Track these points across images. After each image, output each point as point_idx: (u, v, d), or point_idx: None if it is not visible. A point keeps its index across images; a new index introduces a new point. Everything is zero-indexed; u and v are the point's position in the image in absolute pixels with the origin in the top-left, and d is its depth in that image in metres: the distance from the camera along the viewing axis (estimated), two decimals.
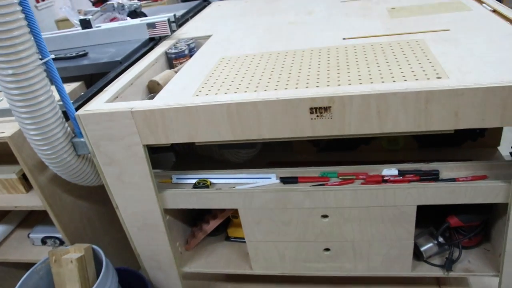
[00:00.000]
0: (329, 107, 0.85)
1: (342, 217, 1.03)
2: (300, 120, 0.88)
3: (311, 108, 0.86)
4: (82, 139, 1.01)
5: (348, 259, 1.12)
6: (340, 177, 1.04)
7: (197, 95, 0.95)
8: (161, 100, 0.95)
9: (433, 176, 1.01)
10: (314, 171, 1.07)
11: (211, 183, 1.09)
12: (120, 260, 1.39)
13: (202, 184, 1.08)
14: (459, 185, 0.95)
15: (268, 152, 1.30)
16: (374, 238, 1.06)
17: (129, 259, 1.21)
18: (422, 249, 1.12)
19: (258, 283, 1.34)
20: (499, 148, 1.17)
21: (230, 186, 1.07)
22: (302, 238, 1.09)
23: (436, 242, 1.11)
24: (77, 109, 0.99)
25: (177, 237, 1.22)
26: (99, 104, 0.99)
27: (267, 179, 1.07)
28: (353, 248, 1.09)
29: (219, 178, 1.10)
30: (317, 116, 0.87)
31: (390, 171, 1.03)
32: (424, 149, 1.22)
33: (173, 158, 1.37)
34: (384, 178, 1.02)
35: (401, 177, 1.01)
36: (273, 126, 0.90)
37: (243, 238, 1.16)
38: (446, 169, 1.02)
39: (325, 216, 1.04)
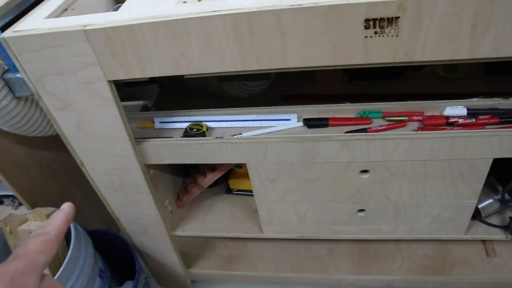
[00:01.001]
0: (397, 18, 0.53)
1: (388, 173, 0.75)
2: (348, 39, 0.56)
3: (367, 20, 0.54)
4: (18, 75, 0.67)
5: (387, 221, 0.85)
6: (387, 118, 0.75)
7: (185, 2, 0.61)
8: (130, 11, 0.61)
9: None
10: (349, 109, 0.76)
11: (207, 128, 0.78)
12: (99, 220, 1.11)
13: (196, 131, 0.77)
14: None
15: (282, 82, 0.98)
16: (426, 197, 0.79)
17: (110, 218, 0.93)
18: (480, 206, 0.86)
19: (266, 241, 1.09)
20: None
21: (234, 133, 0.77)
22: (331, 198, 0.81)
23: (498, 197, 0.85)
24: (3, 29, 0.64)
25: (165, 194, 0.93)
26: (37, 20, 0.64)
27: (286, 121, 0.77)
28: (396, 209, 0.82)
29: (219, 121, 0.79)
30: (376, 32, 0.55)
31: (456, 109, 0.74)
32: (493, 77, 0.91)
33: (156, 90, 1.05)
34: (449, 120, 0.72)
35: (473, 119, 0.72)
36: (304, 49, 0.58)
37: (250, 191, 0.88)
38: None
39: (365, 172, 0.76)
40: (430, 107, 0.74)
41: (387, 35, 0.55)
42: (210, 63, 0.60)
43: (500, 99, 0.74)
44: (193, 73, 0.62)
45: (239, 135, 0.75)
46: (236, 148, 0.74)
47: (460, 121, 0.71)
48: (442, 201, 0.79)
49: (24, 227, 0.84)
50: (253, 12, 0.54)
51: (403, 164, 0.73)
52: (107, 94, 0.66)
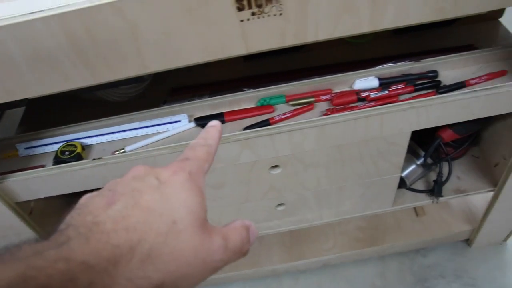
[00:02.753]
0: None
1: (301, 165, 0.65)
2: (219, 26, 0.43)
3: (238, 1, 0.41)
4: None
5: (310, 210, 0.76)
6: (291, 103, 0.63)
7: None
8: None
9: (432, 82, 0.63)
10: (247, 98, 0.64)
11: (83, 148, 0.63)
12: None
13: (68, 154, 0.62)
14: (476, 94, 0.58)
15: (167, 73, 0.82)
16: (347, 180, 0.70)
17: None
18: (404, 174, 0.78)
19: None
20: (501, 20, 0.79)
21: (117, 149, 0.62)
22: (244, 199, 0.70)
23: (420, 162, 0.78)
24: None
25: (57, 224, 0.78)
26: None
27: (176, 123, 0.63)
28: (318, 197, 0.73)
29: (97, 135, 0.64)
30: (253, 14, 0.42)
31: (367, 81, 0.63)
32: (401, 36, 0.81)
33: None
34: (361, 96, 0.62)
35: (386, 91, 0.62)
36: (167, 48, 0.44)
37: None
38: (445, 67, 0.65)
39: (275, 167, 0.65)
40: (339, 82, 0.64)
41: (269, 15, 0.43)
42: (50, 81, 0.45)
43: (412, 62, 0.65)
44: (31, 96, 0.47)
45: (121, 151, 0.61)
46: (120, 168, 0.60)
47: (372, 95, 0.61)
48: (364, 180, 0.71)
49: None
50: (85, 8, 0.39)
51: (316, 153, 0.63)
52: None
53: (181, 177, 0.29)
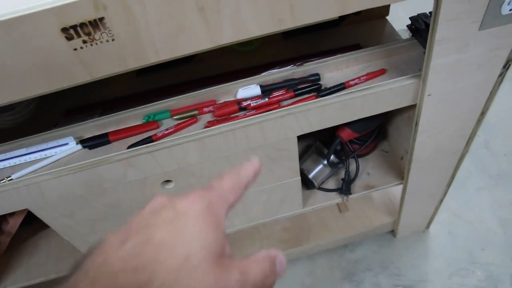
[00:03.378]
0: (101, 19, 0.41)
1: (193, 177, 0.65)
2: (53, 56, 0.43)
3: (64, 30, 0.41)
4: None
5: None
6: (175, 117, 0.63)
7: None
8: None
9: (313, 86, 0.64)
10: (134, 115, 0.63)
11: None
12: None
13: None
14: (352, 95, 0.59)
15: (62, 94, 0.81)
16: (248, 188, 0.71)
17: None
18: (311, 175, 0.80)
19: None
20: (388, 18, 0.81)
21: (4, 176, 0.62)
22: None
23: (326, 162, 0.80)
24: None
25: None
26: None
27: (63, 146, 0.63)
28: None
29: None
30: (84, 41, 0.42)
31: (249, 90, 0.64)
32: (290, 39, 0.82)
33: None
34: (242, 105, 0.63)
35: (266, 99, 0.63)
36: (7, 82, 0.44)
37: None
38: (328, 69, 0.66)
39: (168, 182, 0.65)
40: (223, 92, 0.64)
41: (101, 42, 0.42)
42: None
43: (295, 66, 0.66)
44: None
45: (8, 179, 0.61)
46: (6, 197, 0.59)
47: (253, 103, 0.62)
48: (264, 187, 0.72)
49: None
50: None
51: (204, 166, 0.63)
52: None
53: (198, 207, 0.28)
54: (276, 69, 0.68)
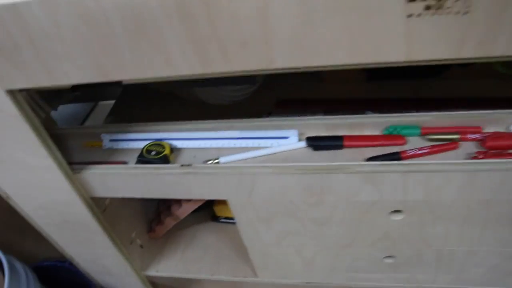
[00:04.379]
0: None
1: (431, 215, 0.50)
2: (377, 20, 0.31)
3: None
4: None
5: (423, 270, 0.61)
6: (428, 137, 0.50)
7: None
8: None
9: None
10: (372, 123, 0.51)
11: (172, 150, 0.54)
12: (44, 249, 0.78)
13: (155, 154, 0.53)
14: None
15: (277, 80, 0.72)
16: (482, 245, 0.54)
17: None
18: None
19: (263, 286, 0.83)
20: None
21: (209, 158, 0.53)
22: (347, 243, 0.57)
23: None
24: None
25: (131, 225, 0.70)
26: None
27: (282, 140, 0.53)
28: (439, 257, 0.58)
29: (189, 139, 0.55)
30: (427, 7, 0.30)
31: None
32: None
33: (119, 90, 0.81)
34: None
35: None
36: (302, 40, 0.33)
37: None
38: None
39: (397, 212, 0.52)
40: (490, 120, 0.49)
41: (449, 12, 0.30)
42: (149, 63, 0.37)
43: None
44: (126, 78, 0.39)
45: (215, 162, 0.52)
46: (210, 180, 0.50)
47: None
48: (505, 249, 0.55)
49: None
50: None
51: (455, 205, 0.48)
52: (10, 109, 0.43)
53: None
54: None
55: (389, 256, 0.59)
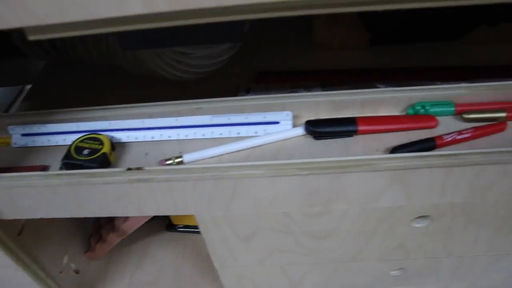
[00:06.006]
0: None
1: (464, 218, 0.38)
2: None
3: None
4: None
5: (434, 280, 0.49)
6: (465, 115, 0.37)
7: None
8: None
9: None
10: (389, 99, 0.37)
11: (113, 147, 0.38)
12: None
13: (89, 153, 0.37)
14: None
15: (256, 48, 0.56)
16: (507, 250, 0.44)
17: None
18: None
19: None
20: None
21: (168, 156, 0.37)
22: (351, 257, 0.44)
23: None
24: None
25: (59, 250, 0.52)
26: None
27: (271, 125, 0.38)
28: (457, 265, 0.46)
29: (137, 129, 0.39)
30: None
31: None
32: None
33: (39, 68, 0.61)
34: None
35: None
36: None
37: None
38: None
39: (422, 218, 0.39)
40: None
41: None
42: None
43: None
44: (30, 24, 0.22)
45: (177, 161, 0.36)
46: (171, 190, 0.35)
47: None
48: None
49: None
50: None
51: (498, 205, 0.36)
52: None
53: None
54: None
55: (398, 269, 0.47)
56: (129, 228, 0.50)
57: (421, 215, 0.37)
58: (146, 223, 0.54)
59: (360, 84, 0.39)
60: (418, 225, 0.38)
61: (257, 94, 0.42)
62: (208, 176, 0.33)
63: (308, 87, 0.42)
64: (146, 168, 0.33)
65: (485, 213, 0.37)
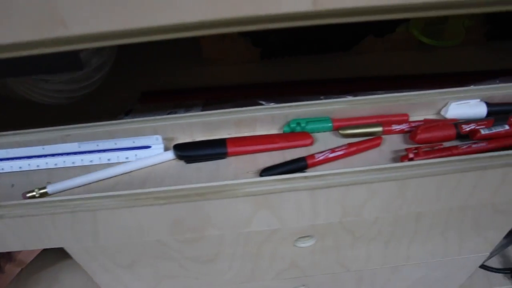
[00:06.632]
0: None
1: (350, 237, 0.37)
2: None
3: None
4: None
5: None
6: (342, 131, 0.36)
7: None
8: None
9: None
10: (267, 117, 0.36)
11: None
12: None
13: None
14: None
15: (143, 63, 0.54)
16: (408, 259, 0.43)
17: None
18: None
19: None
20: None
21: (34, 186, 0.35)
22: (246, 278, 0.42)
23: None
24: None
25: None
26: None
27: (142, 150, 0.36)
28: (358, 278, 0.46)
29: (4, 159, 0.37)
30: None
31: (466, 106, 0.37)
32: (495, 42, 0.53)
33: None
34: (463, 130, 0.36)
35: (503, 126, 0.36)
36: None
37: None
38: None
39: (305, 238, 0.38)
40: (416, 104, 0.37)
41: None
42: None
43: None
44: None
45: (40, 192, 0.34)
46: (29, 225, 0.32)
47: (483, 130, 0.35)
48: (434, 260, 0.44)
49: None
50: None
51: (379, 222, 0.36)
52: None
53: None
54: (498, 80, 0.41)
55: (301, 285, 0.45)
56: (26, 257, 0.48)
57: (303, 235, 0.36)
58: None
59: (243, 101, 0.38)
60: (303, 245, 0.37)
61: (138, 116, 0.40)
62: (65, 208, 0.30)
63: (189, 106, 0.41)
64: (3, 203, 0.31)
65: (368, 229, 0.36)
